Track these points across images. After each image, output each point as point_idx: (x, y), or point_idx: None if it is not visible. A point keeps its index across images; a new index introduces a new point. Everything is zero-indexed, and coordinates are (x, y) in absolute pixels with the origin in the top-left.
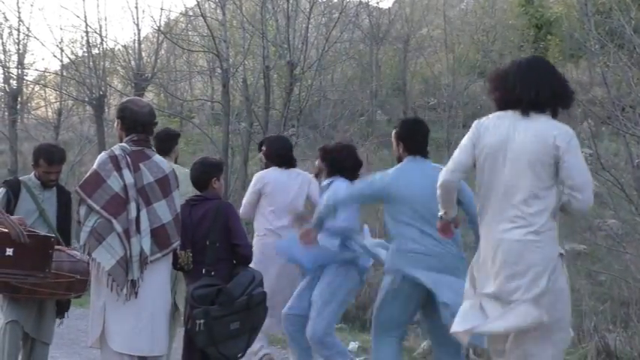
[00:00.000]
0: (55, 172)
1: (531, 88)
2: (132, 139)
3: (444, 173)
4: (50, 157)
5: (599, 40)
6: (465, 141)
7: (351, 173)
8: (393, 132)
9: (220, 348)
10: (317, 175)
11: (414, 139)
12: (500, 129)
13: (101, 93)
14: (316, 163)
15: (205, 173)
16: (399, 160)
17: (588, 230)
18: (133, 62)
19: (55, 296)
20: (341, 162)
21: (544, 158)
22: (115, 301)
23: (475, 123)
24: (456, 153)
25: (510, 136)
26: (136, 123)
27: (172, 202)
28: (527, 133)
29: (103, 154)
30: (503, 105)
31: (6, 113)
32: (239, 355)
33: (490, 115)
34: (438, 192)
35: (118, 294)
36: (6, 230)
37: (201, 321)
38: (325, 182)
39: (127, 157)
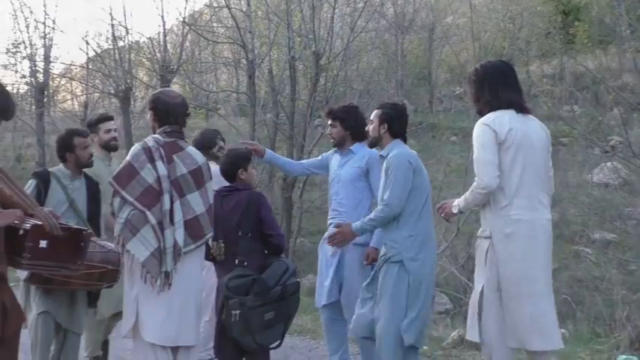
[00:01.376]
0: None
1: (519, 91)
2: (165, 131)
3: (488, 179)
4: (82, 132)
5: (629, 24)
6: (487, 144)
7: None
8: (378, 112)
9: (256, 338)
10: (339, 145)
11: (405, 122)
12: (515, 124)
13: (127, 85)
14: (332, 130)
15: (232, 165)
16: (376, 141)
17: (618, 219)
18: (158, 54)
19: (86, 287)
20: (363, 125)
21: (549, 146)
22: (148, 292)
23: (486, 123)
24: (486, 157)
25: (527, 129)
26: (168, 114)
27: (206, 194)
28: (536, 126)
29: (136, 146)
30: (495, 108)
31: (33, 107)
32: (274, 345)
33: (493, 114)
34: (479, 194)
35: (153, 285)
36: (40, 223)
37: (237, 311)
38: (387, 151)
39: (161, 148)
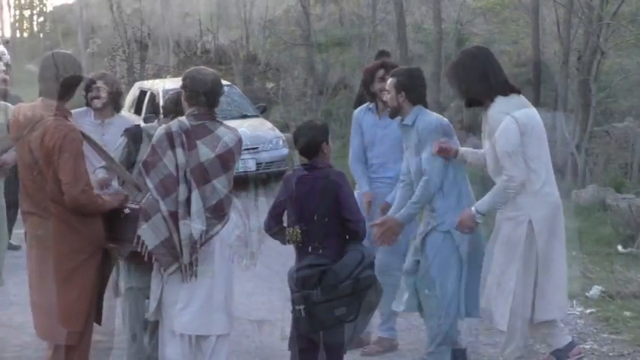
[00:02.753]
0: None
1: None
2: (192, 113)
3: (519, 170)
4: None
5: None
6: (515, 139)
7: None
8: (393, 80)
9: (325, 335)
10: (397, 113)
11: (423, 87)
12: (532, 113)
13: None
14: (388, 96)
15: (315, 138)
16: (396, 110)
17: None
18: (241, 55)
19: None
20: (424, 87)
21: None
22: (172, 280)
23: (515, 119)
24: (514, 155)
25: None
26: (198, 93)
27: (232, 175)
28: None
29: (160, 130)
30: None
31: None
32: (347, 342)
33: (518, 110)
34: (513, 189)
35: (161, 274)
36: (140, 207)
37: (301, 307)
38: (411, 119)
39: (183, 134)
